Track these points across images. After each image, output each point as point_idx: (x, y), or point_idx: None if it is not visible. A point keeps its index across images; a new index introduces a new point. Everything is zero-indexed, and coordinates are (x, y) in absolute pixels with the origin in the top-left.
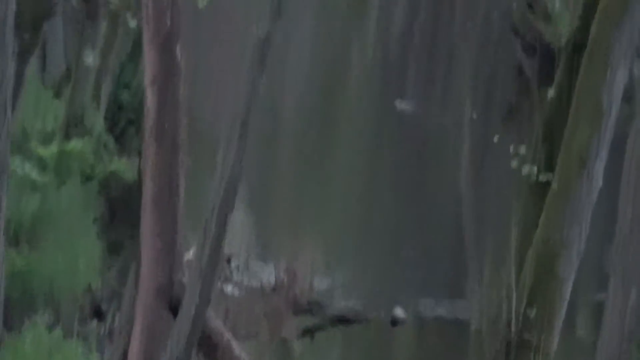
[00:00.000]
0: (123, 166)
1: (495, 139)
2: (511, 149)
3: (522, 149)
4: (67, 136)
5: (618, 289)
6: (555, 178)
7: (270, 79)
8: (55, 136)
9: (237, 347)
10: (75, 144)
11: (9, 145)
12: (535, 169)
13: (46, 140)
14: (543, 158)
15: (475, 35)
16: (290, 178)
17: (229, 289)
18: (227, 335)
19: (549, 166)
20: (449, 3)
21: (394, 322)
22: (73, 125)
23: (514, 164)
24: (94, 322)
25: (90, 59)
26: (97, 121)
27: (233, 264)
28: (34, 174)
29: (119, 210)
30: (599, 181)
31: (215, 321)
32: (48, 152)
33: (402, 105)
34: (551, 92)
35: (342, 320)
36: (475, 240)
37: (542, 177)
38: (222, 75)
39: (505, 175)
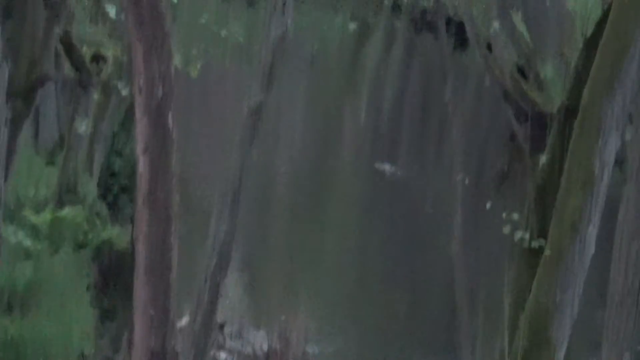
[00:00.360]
0: (116, 233)
1: (488, 205)
2: (503, 215)
3: (515, 216)
4: (60, 204)
5: (611, 354)
6: (547, 244)
7: (263, 144)
8: (48, 204)
9: None
10: (68, 212)
11: (2, 213)
12: (527, 234)
13: (39, 207)
14: (535, 224)
15: (467, 101)
16: (282, 244)
17: (222, 355)
18: None
19: (542, 232)
20: (441, 70)
21: None
22: (66, 193)
23: (507, 229)
24: None
25: (83, 126)
26: (90, 189)
27: (226, 331)
28: (27, 242)
29: (112, 278)
30: (591, 246)
31: None
32: (41, 219)
33: (383, 167)
34: (543, 158)
35: None
36: (468, 305)
37: (535, 244)
38: (215, 143)
39: (497, 240)
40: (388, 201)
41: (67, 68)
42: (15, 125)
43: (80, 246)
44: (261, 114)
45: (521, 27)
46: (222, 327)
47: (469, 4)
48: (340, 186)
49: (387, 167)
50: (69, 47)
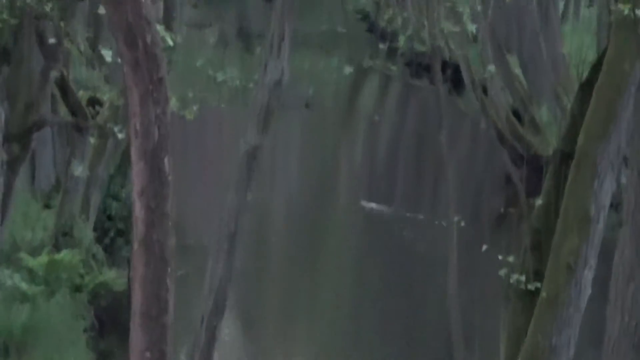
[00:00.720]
0: (112, 277)
1: (484, 247)
2: (499, 257)
3: (511, 258)
4: (56, 247)
5: None
6: (544, 286)
7: (260, 186)
8: (45, 247)
9: None
10: (64, 255)
11: None
12: (523, 277)
13: (36, 251)
14: (531, 266)
15: (463, 143)
16: (279, 286)
17: None
18: None
19: (538, 274)
20: (437, 112)
21: None
22: (62, 236)
23: (503, 272)
24: None
25: (80, 170)
26: (86, 232)
27: None
28: (24, 285)
29: (109, 321)
30: (587, 288)
31: None
32: (37, 262)
33: (369, 205)
34: (539, 201)
35: None
36: (465, 346)
37: (531, 286)
38: (211, 185)
39: (493, 282)
40: (384, 242)
41: (63, 112)
42: (11, 168)
43: (76, 289)
44: (257, 156)
45: (517, 70)
46: None
47: (465, 47)
48: (336, 227)
49: (373, 206)
50: (65, 91)
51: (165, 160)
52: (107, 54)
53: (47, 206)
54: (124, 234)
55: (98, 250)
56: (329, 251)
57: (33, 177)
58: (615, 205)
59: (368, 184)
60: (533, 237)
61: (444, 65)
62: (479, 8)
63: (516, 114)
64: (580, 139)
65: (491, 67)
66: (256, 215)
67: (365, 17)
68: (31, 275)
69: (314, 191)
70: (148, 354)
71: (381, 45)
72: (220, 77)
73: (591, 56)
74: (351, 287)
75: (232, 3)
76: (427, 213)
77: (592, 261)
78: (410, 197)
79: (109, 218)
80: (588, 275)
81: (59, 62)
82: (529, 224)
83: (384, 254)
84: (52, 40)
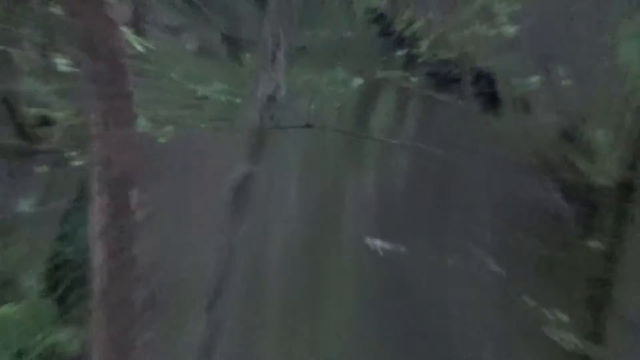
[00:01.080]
0: (66, 337)
1: (526, 299)
2: (546, 312)
3: (558, 312)
4: None
5: None
6: (602, 348)
7: (254, 219)
8: None
9: None
10: (7, 310)
11: None
12: (576, 338)
13: None
14: (585, 324)
15: (499, 171)
16: (275, 336)
17: None
18: None
19: (593, 334)
20: (466, 133)
21: None
22: (5, 288)
23: (549, 330)
24: None
25: (26, 206)
26: (34, 282)
27: None
28: None
29: None
30: None
31: None
32: None
33: (374, 242)
34: (595, 244)
35: None
36: None
37: (586, 348)
38: (196, 221)
39: (536, 343)
40: (393, 283)
41: (7, 134)
42: None
43: (21, 353)
44: (248, 187)
45: (566, 83)
46: None
47: (502, 55)
48: (339, 264)
49: (378, 243)
50: (11, 109)
51: (132, 193)
52: (62, 64)
53: None
54: (81, 284)
55: (48, 304)
56: (332, 291)
57: None
58: None
59: (380, 220)
60: (588, 288)
61: (476, 76)
62: (518, 7)
63: (566, 136)
64: None
65: (535, 79)
66: (248, 252)
67: (378, 18)
68: None
69: (315, 227)
70: None
71: (398, 53)
72: (201, 91)
73: None
74: (357, 332)
75: (216, 3)
76: (450, 255)
77: None
78: (428, 233)
79: (62, 265)
80: None
81: (3, 74)
82: (582, 272)
83: (395, 296)
84: None
